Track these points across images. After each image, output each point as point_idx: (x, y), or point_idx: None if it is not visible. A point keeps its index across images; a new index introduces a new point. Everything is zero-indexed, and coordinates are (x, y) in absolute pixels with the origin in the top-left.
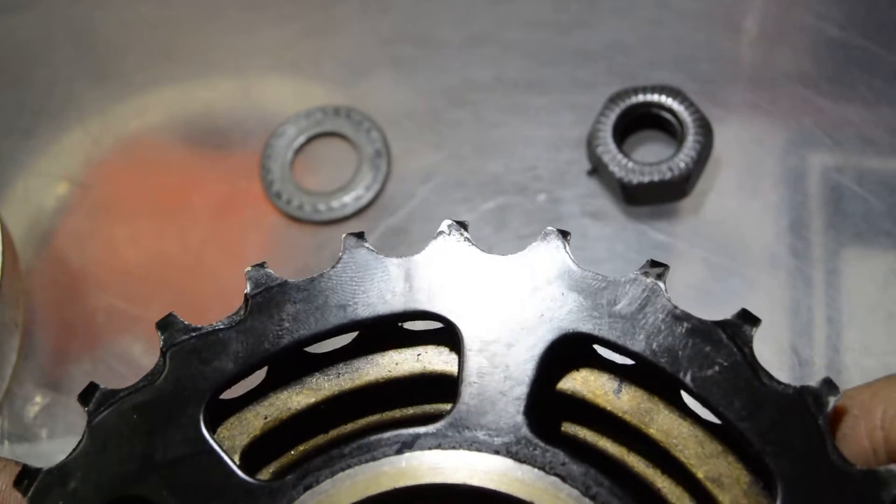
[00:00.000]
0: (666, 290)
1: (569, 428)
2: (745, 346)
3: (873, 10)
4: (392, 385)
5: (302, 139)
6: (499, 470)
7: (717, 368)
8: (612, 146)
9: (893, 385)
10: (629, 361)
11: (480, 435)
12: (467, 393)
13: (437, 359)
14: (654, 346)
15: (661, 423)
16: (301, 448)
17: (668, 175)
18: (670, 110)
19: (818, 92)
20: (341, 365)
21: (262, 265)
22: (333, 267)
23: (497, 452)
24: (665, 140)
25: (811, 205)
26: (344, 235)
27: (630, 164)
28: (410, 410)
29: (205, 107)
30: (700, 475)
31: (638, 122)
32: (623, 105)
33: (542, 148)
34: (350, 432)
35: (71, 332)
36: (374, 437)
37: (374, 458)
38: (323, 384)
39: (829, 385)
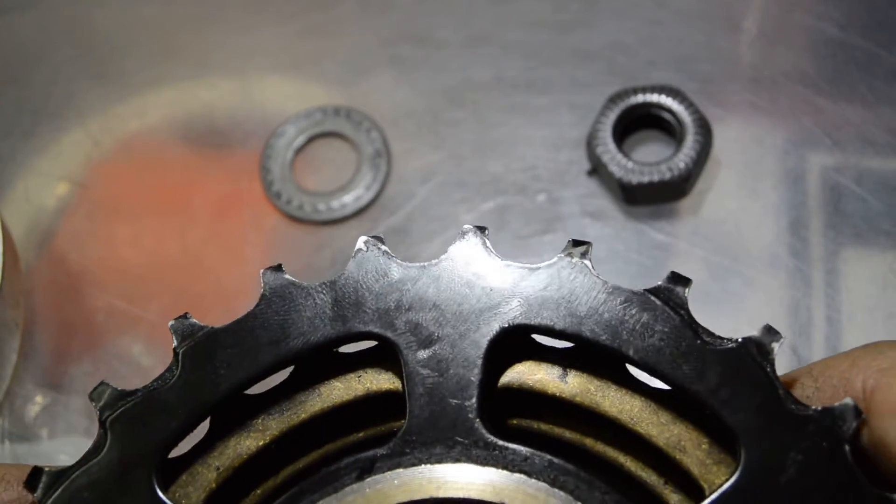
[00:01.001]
0: (593, 268)
1: (522, 422)
2: (680, 308)
3: (873, 11)
4: (339, 412)
5: (302, 139)
6: (464, 478)
7: (658, 336)
8: (611, 146)
9: (871, 354)
10: (570, 345)
11: (438, 446)
12: (416, 405)
13: (378, 378)
14: (592, 324)
15: (613, 400)
16: (259, 492)
17: (668, 175)
18: (670, 110)
19: (818, 92)
20: (284, 401)
21: (185, 316)
22: (257, 305)
23: (458, 460)
24: (665, 140)
25: (811, 205)
26: (261, 272)
27: (630, 164)
28: (362, 434)
29: (205, 107)
30: (660, 444)
31: (638, 122)
32: (623, 105)
33: (542, 148)
34: (307, 466)
35: (71, 332)
36: (332, 467)
37: (335, 490)
38: (269, 424)
39: (770, 331)
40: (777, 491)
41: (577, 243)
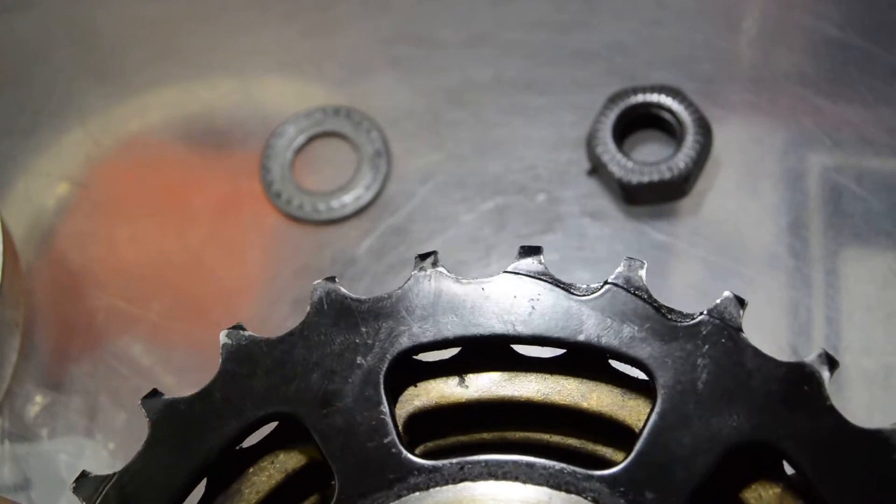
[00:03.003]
0: (448, 270)
1: (439, 443)
2: (543, 275)
3: (872, 11)
4: (271, 499)
5: (302, 139)
6: None
7: (530, 306)
8: (611, 146)
9: None
10: (454, 352)
11: (377, 490)
12: (340, 463)
13: (291, 455)
14: (465, 322)
15: (515, 384)
16: None
17: (668, 175)
18: (670, 110)
19: (817, 92)
20: (217, 501)
21: (83, 475)
22: (152, 433)
23: (401, 495)
24: (665, 140)
25: (810, 205)
26: (140, 400)
27: (630, 164)
28: None
29: (205, 107)
30: (578, 404)
31: (637, 121)
32: (622, 105)
33: (542, 148)
34: None
35: (71, 332)
36: None
37: None
38: None
39: (631, 266)
40: (699, 396)
41: (422, 257)
